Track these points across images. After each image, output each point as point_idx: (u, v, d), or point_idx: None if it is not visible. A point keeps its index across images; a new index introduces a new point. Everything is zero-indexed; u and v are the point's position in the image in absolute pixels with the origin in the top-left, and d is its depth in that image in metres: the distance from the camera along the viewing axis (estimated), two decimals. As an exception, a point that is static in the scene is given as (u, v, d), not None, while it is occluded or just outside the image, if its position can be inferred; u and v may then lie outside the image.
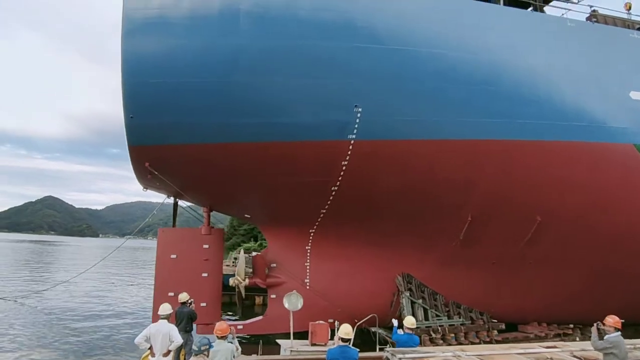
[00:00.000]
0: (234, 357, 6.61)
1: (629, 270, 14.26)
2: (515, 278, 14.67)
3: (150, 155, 12.02)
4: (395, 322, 9.24)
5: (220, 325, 6.49)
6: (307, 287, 15.75)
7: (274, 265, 15.93)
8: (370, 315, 12.55)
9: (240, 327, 14.88)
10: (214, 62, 10.40)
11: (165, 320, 7.66)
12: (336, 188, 12.79)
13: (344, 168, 12.06)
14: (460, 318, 15.19)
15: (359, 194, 13.01)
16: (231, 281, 15.45)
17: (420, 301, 14.94)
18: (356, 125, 11.20)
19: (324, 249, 15.59)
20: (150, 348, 7.36)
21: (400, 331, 8.46)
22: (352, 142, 11.46)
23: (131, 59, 10.35)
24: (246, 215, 15.79)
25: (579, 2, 14.50)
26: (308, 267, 15.77)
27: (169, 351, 7.42)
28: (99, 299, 24.99)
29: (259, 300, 24.55)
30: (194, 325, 11.15)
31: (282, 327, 13.68)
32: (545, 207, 12.83)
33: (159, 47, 10.38)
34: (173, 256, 14.74)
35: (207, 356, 6.43)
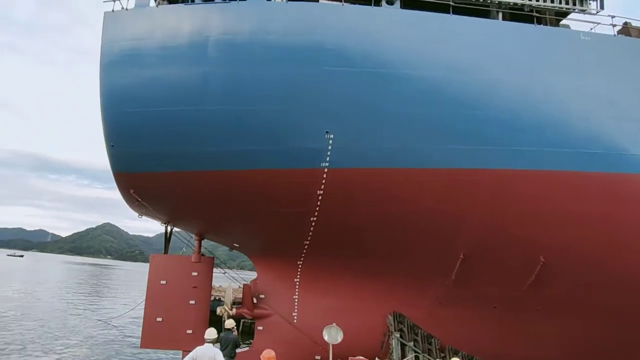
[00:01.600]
0: None
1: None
2: (524, 325, 13.10)
3: (134, 183, 12.34)
4: None
5: (269, 353, 6.99)
6: (295, 321, 15.14)
7: (263, 296, 15.46)
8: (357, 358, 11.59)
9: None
10: (186, 90, 10.62)
11: (211, 344, 8.01)
12: (315, 219, 12.33)
13: (320, 198, 11.62)
14: (455, 365, 13.73)
15: (339, 226, 12.40)
16: (218, 310, 15.17)
17: (411, 344, 13.73)
18: (329, 153, 10.81)
19: (313, 282, 14.95)
20: None
21: None
22: (326, 170, 11.06)
23: (109, 89, 10.86)
24: (235, 245, 15.62)
25: (597, 13, 12.71)
26: (296, 301, 15.17)
27: None
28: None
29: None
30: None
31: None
32: (550, 245, 11.43)
33: (134, 77, 10.80)
34: (163, 282, 14.79)
35: None
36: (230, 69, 10.43)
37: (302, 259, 14.49)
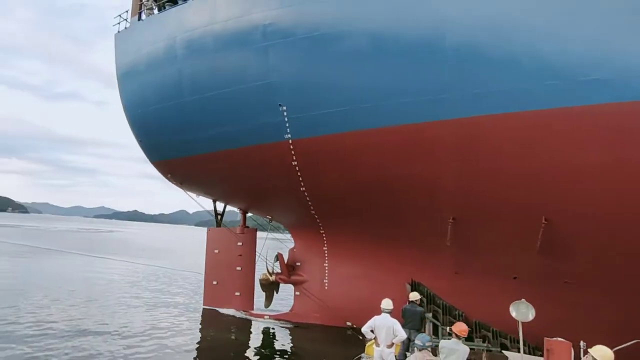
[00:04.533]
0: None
1: None
2: (555, 301, 10.81)
3: (165, 169, 14.95)
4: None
5: (461, 326, 6.43)
6: (326, 288, 15.76)
7: (299, 264, 16.55)
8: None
9: (266, 317, 16.23)
10: (168, 88, 12.35)
11: (388, 315, 7.74)
12: (304, 189, 12.66)
13: (297, 168, 11.94)
14: (484, 342, 12.17)
15: (325, 194, 12.44)
16: (261, 276, 16.95)
17: (430, 315, 12.76)
18: (287, 125, 11.03)
19: (338, 250, 15.28)
20: (375, 338, 7.71)
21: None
22: (291, 141, 11.31)
23: (125, 96, 13.43)
24: (267, 217, 16.98)
25: None
26: (327, 268, 15.74)
27: (392, 343, 7.62)
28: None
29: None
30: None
31: (306, 319, 15.50)
32: (552, 205, 9.09)
33: (138, 84, 13.09)
34: (216, 251, 17.40)
35: (432, 353, 6.58)
36: (193, 61, 11.62)
37: (321, 228, 14.95)
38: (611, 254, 9.19)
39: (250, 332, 14.71)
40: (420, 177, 10.16)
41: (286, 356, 12.57)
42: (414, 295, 9.97)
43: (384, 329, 7.54)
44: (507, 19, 8.41)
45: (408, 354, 8.78)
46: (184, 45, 11.69)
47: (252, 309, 16.96)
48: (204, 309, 17.27)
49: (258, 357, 12.06)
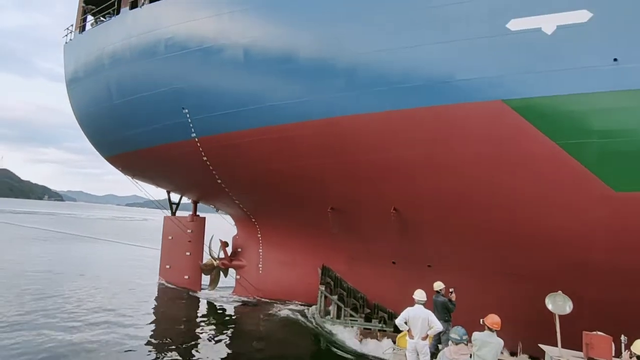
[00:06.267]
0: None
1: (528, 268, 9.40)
2: (424, 284, 11.88)
3: (116, 164, 16.81)
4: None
5: (494, 318, 6.15)
6: (260, 272, 17.28)
7: (240, 250, 18.13)
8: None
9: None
10: (101, 92, 14.10)
11: (422, 306, 7.47)
12: (220, 181, 14.15)
13: (208, 163, 13.44)
14: (381, 323, 13.32)
15: (237, 186, 13.91)
16: (207, 260, 18.61)
17: (335, 297, 14.02)
18: (191, 126, 12.54)
19: (269, 238, 16.77)
20: (409, 330, 7.49)
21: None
22: (197, 139, 12.80)
23: (72, 101, 15.32)
24: (211, 206, 18.58)
25: None
26: (261, 254, 17.24)
27: (427, 335, 7.40)
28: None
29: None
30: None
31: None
32: (395, 195, 10.20)
33: (81, 89, 14.93)
34: (170, 237, 19.20)
35: (467, 345, 6.39)
36: (117, 69, 13.30)
37: (252, 217, 16.44)
38: (453, 239, 10.23)
39: (197, 308, 16.12)
40: (297, 171, 11.45)
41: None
42: (438, 285, 9.16)
43: (419, 320, 7.29)
44: (345, 37, 9.59)
45: (440, 346, 8.76)
46: (109, 56, 13.38)
47: (199, 291, 18.68)
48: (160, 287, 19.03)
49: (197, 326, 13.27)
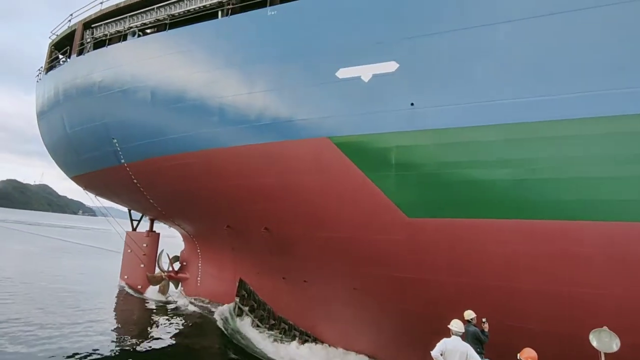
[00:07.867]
0: None
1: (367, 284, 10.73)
2: (305, 295, 13.31)
3: (79, 183, 19.29)
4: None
5: (530, 352, 6.23)
6: (198, 285, 19.05)
7: (185, 263, 20.01)
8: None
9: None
10: (58, 124, 16.66)
11: (459, 338, 6.94)
12: (152, 201, 16.21)
13: (138, 185, 15.55)
14: (281, 334, 14.67)
15: (165, 205, 15.94)
16: (156, 272, 20.54)
17: (247, 308, 15.51)
18: (120, 153, 14.75)
19: (205, 253, 18.58)
20: None
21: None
22: (126, 165, 14.98)
23: (41, 130, 18.02)
24: (167, 224, 20.65)
25: None
26: (200, 268, 19.04)
27: None
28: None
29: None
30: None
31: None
32: (265, 215, 11.87)
33: (46, 121, 17.63)
34: (129, 251, 21.34)
35: None
36: (67, 104, 15.84)
37: (188, 232, 18.38)
38: (315, 256, 11.71)
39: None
40: (196, 193, 13.36)
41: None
42: (468, 314, 8.22)
43: (457, 354, 6.67)
44: (216, 82, 11.65)
45: None
46: (62, 93, 15.97)
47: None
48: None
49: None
